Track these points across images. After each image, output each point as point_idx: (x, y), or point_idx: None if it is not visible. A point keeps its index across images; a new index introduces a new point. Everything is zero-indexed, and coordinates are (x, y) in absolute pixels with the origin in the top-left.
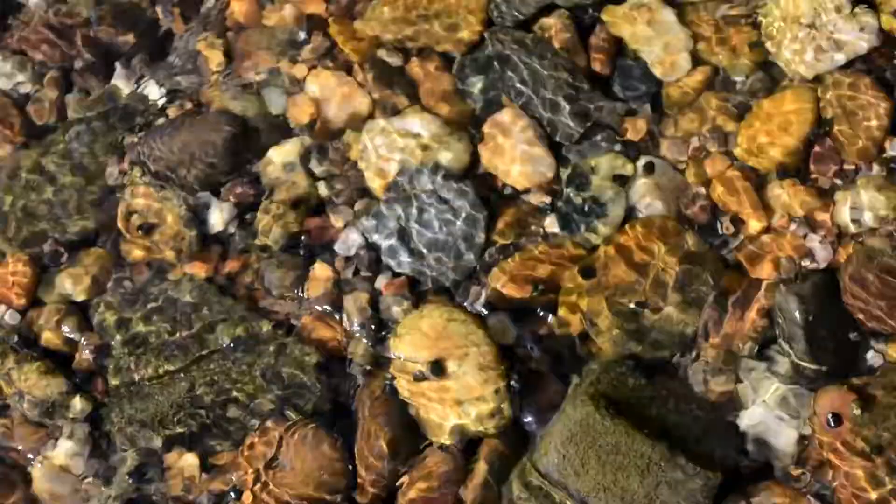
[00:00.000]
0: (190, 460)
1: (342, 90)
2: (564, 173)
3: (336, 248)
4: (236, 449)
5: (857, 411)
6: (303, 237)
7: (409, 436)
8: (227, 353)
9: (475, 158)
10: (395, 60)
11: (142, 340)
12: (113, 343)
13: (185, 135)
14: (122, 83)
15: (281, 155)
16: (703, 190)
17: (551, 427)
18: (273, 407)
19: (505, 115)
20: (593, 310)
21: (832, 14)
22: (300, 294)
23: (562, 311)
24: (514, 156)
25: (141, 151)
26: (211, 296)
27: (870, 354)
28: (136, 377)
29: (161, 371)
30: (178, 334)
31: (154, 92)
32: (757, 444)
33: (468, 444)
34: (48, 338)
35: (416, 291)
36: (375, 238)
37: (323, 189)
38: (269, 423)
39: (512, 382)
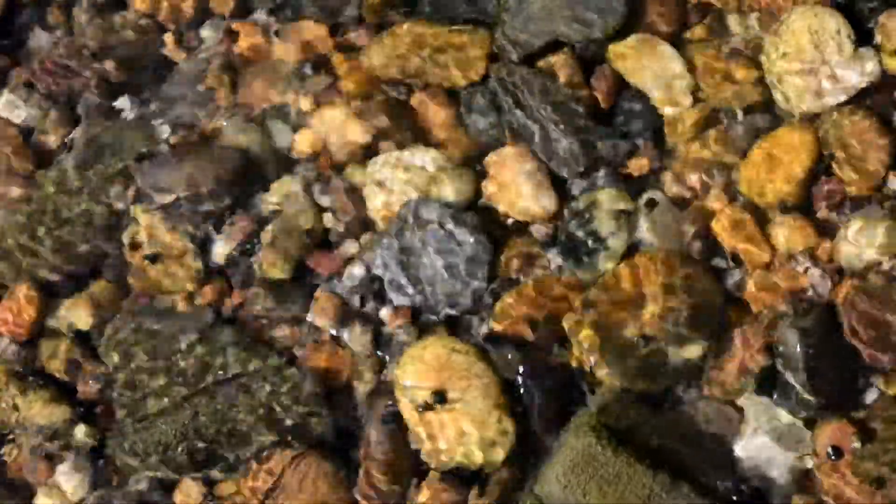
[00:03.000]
0: (193, 489)
1: (347, 124)
2: (567, 207)
3: (340, 279)
4: (240, 478)
5: (858, 444)
6: (307, 269)
7: (412, 465)
8: (231, 382)
9: (479, 192)
10: (399, 95)
11: (146, 370)
12: (117, 372)
13: (191, 166)
14: (127, 115)
15: (285, 187)
16: (704, 225)
17: (553, 457)
18: (276, 436)
19: (508, 150)
20: (595, 342)
21: (833, 52)
22: (304, 325)
23: (564, 343)
24: (518, 189)
25: (146, 182)
26: (215, 326)
27: (870, 388)
28: (140, 406)
29: (165, 400)
30: (182, 364)
31: (159, 124)
32: (757, 476)
33: (470, 474)
34: (53, 367)
35: (419, 323)
36: (379, 270)
37: (327, 221)
38: (272, 453)
39: (514, 413)
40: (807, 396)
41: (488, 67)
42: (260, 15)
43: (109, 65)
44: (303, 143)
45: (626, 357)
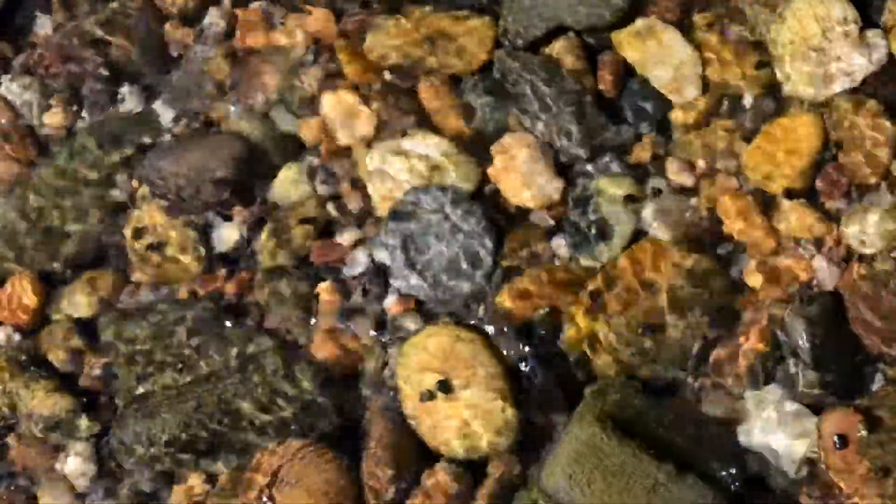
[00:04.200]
0: (196, 479)
1: (350, 111)
2: (572, 195)
3: (343, 268)
4: (243, 468)
5: (863, 433)
6: (310, 257)
7: (416, 455)
8: (235, 372)
9: (483, 179)
10: (403, 82)
11: (149, 359)
12: (120, 362)
13: (194, 154)
14: (130, 102)
15: (288, 175)
16: (710, 212)
17: (557, 447)
18: (279, 426)
19: (513, 137)
20: (600, 330)
21: (840, 38)
22: (307, 314)
23: (569, 332)
24: (522, 177)
25: (149, 170)
26: (218, 315)
27: (876, 377)
28: (144, 396)
29: (168, 390)
30: (185, 353)
31: (163, 111)
32: (762, 465)
33: (475, 464)
34: (55, 356)
35: (424, 311)
36: (383, 258)
37: (330, 209)
38: (275, 443)
39: (519, 402)
40: (812, 384)
41: (492, 54)
42: (263, 2)
43: (112, 52)
44: (306, 130)
45: (631, 345)
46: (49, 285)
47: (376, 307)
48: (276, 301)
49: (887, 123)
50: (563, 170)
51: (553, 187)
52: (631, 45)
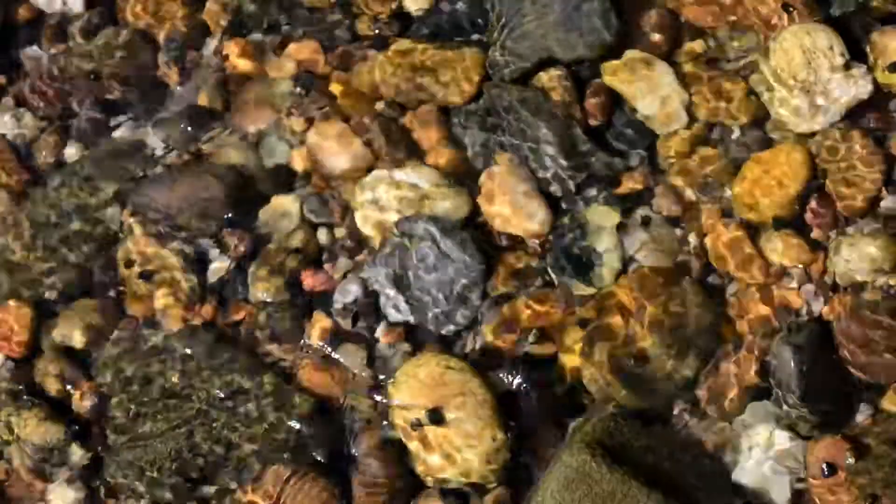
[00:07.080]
0: None
1: (341, 142)
2: (561, 224)
3: (334, 297)
4: (235, 498)
5: (852, 461)
6: (301, 286)
7: (407, 483)
8: (226, 401)
9: (473, 209)
10: (393, 113)
11: (140, 388)
12: (112, 390)
13: (185, 185)
14: (122, 133)
15: (280, 205)
16: (698, 242)
17: (547, 474)
18: (271, 455)
19: (502, 167)
20: (590, 359)
21: (826, 69)
22: (299, 343)
23: (559, 361)
24: (511, 207)
25: (141, 201)
26: (210, 344)
27: (863, 405)
28: (135, 425)
29: (160, 419)
30: (176, 382)
31: (154, 142)
32: (752, 493)
33: (465, 492)
34: (47, 385)
35: (414, 340)
36: (374, 287)
37: (321, 239)
38: (267, 472)
39: (509, 430)
40: (801, 413)
41: (481, 86)
42: (254, 34)
43: (104, 84)
44: (297, 161)
45: (621, 373)
46: (42, 315)
47: (367, 335)
48: (268, 330)
49: (873, 153)
50: (552, 199)
51: (542, 217)
52: (619, 76)
